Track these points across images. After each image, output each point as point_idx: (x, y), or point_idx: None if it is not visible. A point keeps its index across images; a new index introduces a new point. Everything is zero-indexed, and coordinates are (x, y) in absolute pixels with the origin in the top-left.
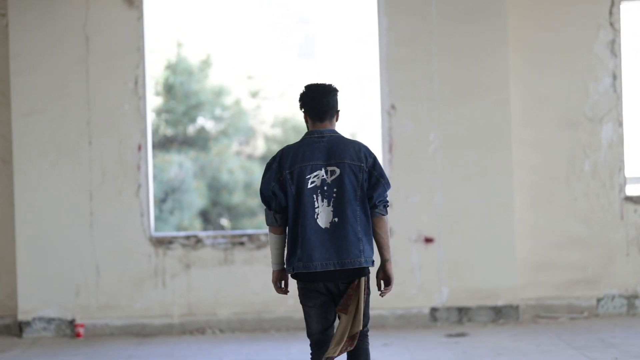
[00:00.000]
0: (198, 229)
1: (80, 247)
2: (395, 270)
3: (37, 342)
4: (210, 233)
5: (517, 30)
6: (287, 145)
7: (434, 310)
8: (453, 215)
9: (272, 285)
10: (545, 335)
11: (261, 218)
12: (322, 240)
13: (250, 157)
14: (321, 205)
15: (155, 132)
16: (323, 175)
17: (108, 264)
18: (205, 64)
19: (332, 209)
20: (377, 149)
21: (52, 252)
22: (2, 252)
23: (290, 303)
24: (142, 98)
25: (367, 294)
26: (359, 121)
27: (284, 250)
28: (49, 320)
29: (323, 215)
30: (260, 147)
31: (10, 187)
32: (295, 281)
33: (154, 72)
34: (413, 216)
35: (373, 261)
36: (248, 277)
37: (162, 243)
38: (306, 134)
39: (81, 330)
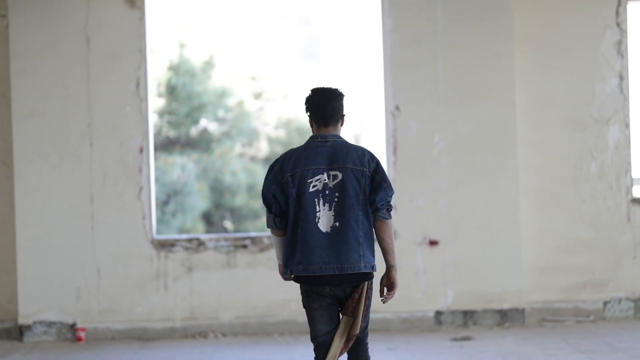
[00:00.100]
0: (201, 231)
1: (81, 250)
2: (399, 273)
3: (37, 346)
4: (213, 236)
5: (523, 30)
6: (291, 149)
7: (438, 313)
8: (458, 218)
9: (275, 289)
10: (552, 339)
11: (264, 220)
12: (322, 244)
13: (253, 158)
14: (322, 209)
15: (157, 134)
16: (325, 180)
17: (109, 267)
18: (208, 65)
19: (333, 213)
20: (381, 151)
21: (53, 255)
22: (2, 255)
23: (294, 307)
24: (144, 99)
25: (368, 298)
26: (362, 123)
27: None
28: (50, 324)
29: (324, 219)
30: (264, 149)
31: (10, 190)
32: (297, 283)
33: (156, 74)
34: (418, 219)
35: (373, 266)
36: (251, 281)
37: (164, 246)
38: (310, 138)
39: (82, 334)
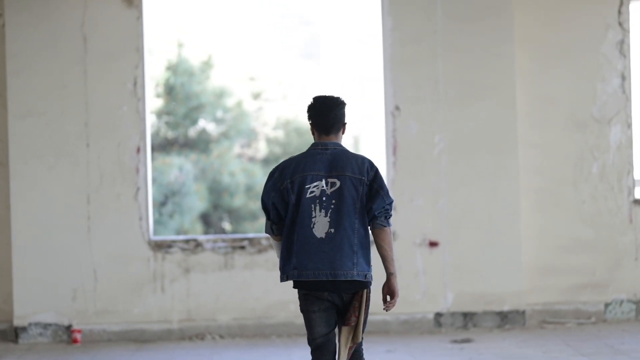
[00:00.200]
0: (199, 232)
1: (77, 251)
2: (399, 275)
3: (33, 348)
4: (210, 237)
5: (524, 30)
6: (291, 156)
7: (438, 315)
8: (458, 219)
9: (273, 290)
10: (552, 341)
11: (262, 221)
12: (316, 249)
13: (252, 159)
14: (318, 215)
15: (155, 134)
16: (323, 186)
17: (106, 269)
18: (207, 65)
19: (329, 220)
20: (380, 151)
21: (49, 256)
22: None
23: (292, 308)
24: (141, 99)
25: (367, 307)
26: (362, 123)
27: None
28: (46, 326)
29: (319, 225)
30: (262, 150)
31: (6, 190)
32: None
33: (154, 74)
34: (417, 220)
35: (366, 275)
36: (248, 282)
37: (161, 247)
38: (311, 146)
39: (78, 336)
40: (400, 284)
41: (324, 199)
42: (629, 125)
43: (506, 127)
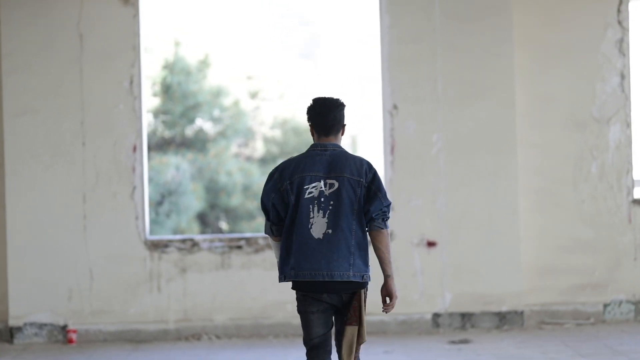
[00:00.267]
0: (196, 232)
1: (73, 250)
2: (397, 275)
3: (28, 348)
4: (207, 236)
5: (523, 29)
6: (291, 157)
7: (436, 316)
8: (456, 219)
9: (270, 290)
10: (551, 342)
11: (259, 221)
12: (313, 250)
13: (249, 159)
14: (316, 215)
15: (152, 133)
16: (321, 187)
17: (102, 268)
18: (204, 63)
19: (326, 221)
20: (378, 151)
21: (45, 256)
22: None
23: (289, 308)
24: (138, 98)
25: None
26: (360, 122)
27: None
28: (41, 326)
29: (317, 226)
30: (260, 149)
31: (1, 189)
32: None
33: (151, 72)
34: (415, 219)
35: (363, 276)
36: (245, 282)
37: (157, 247)
38: (310, 147)
39: (74, 336)
40: (398, 284)
41: (322, 199)
42: (629, 125)
43: (505, 126)
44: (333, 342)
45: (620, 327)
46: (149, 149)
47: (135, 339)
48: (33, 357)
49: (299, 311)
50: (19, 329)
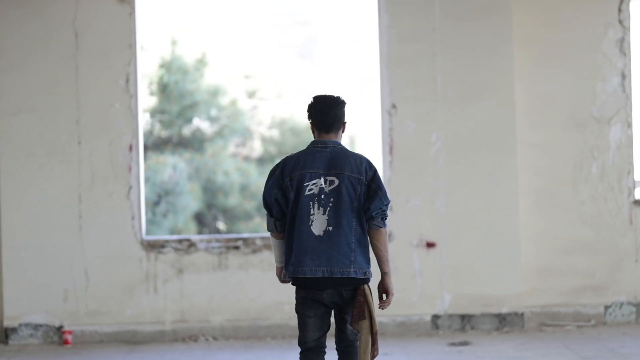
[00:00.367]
0: (193, 232)
1: (68, 250)
2: (395, 276)
3: (23, 350)
4: (204, 237)
5: (523, 28)
6: (291, 154)
7: (435, 317)
8: (456, 220)
9: (267, 291)
10: (552, 345)
11: (257, 221)
12: (314, 247)
13: (246, 158)
14: (316, 212)
15: (149, 133)
16: (322, 184)
17: (97, 269)
18: (201, 62)
19: (327, 218)
20: (377, 150)
21: (40, 256)
22: None
23: (287, 310)
24: (134, 96)
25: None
26: (358, 122)
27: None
28: (36, 327)
29: (317, 223)
30: (257, 149)
31: None
32: (292, 288)
33: (148, 71)
34: (414, 220)
35: (365, 272)
36: (243, 283)
37: (153, 247)
38: (310, 144)
39: (69, 337)
40: (396, 285)
41: (322, 196)
42: (629, 125)
43: (505, 126)
44: (331, 344)
45: (621, 329)
46: (146, 148)
47: (131, 340)
48: (28, 358)
49: (297, 311)
50: (13, 330)
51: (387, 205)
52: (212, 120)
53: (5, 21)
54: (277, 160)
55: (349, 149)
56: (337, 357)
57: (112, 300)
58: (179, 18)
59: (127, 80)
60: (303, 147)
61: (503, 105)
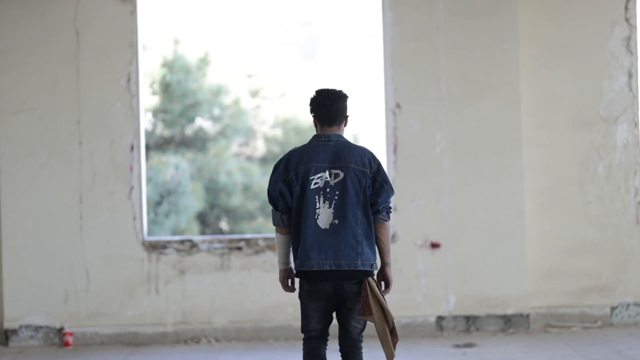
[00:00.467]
0: (196, 232)
1: (69, 251)
2: (400, 276)
3: (23, 351)
4: (206, 237)
5: (528, 27)
6: (295, 148)
7: (440, 319)
8: (460, 220)
9: (270, 293)
10: (558, 346)
11: (260, 221)
12: (320, 240)
13: (249, 158)
14: (322, 206)
15: (151, 132)
16: (327, 178)
17: (98, 270)
18: (203, 62)
19: (332, 211)
20: (381, 150)
21: (40, 257)
22: None
23: (290, 311)
24: (135, 96)
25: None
26: (362, 121)
27: (289, 249)
28: (37, 328)
29: (323, 216)
30: (260, 148)
31: None
32: (297, 281)
33: (150, 70)
34: (419, 220)
35: (372, 264)
36: (245, 284)
37: (155, 248)
38: (313, 137)
39: (70, 339)
40: (401, 286)
41: (327, 190)
42: (636, 124)
43: (510, 126)
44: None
45: (628, 331)
46: (148, 148)
47: (132, 342)
48: None
49: (301, 300)
50: (14, 331)
51: (391, 197)
52: (214, 119)
53: (5, 20)
54: (284, 154)
55: None
56: (339, 358)
57: (113, 302)
58: (182, 17)
59: (129, 80)
60: (310, 139)
61: (508, 104)
